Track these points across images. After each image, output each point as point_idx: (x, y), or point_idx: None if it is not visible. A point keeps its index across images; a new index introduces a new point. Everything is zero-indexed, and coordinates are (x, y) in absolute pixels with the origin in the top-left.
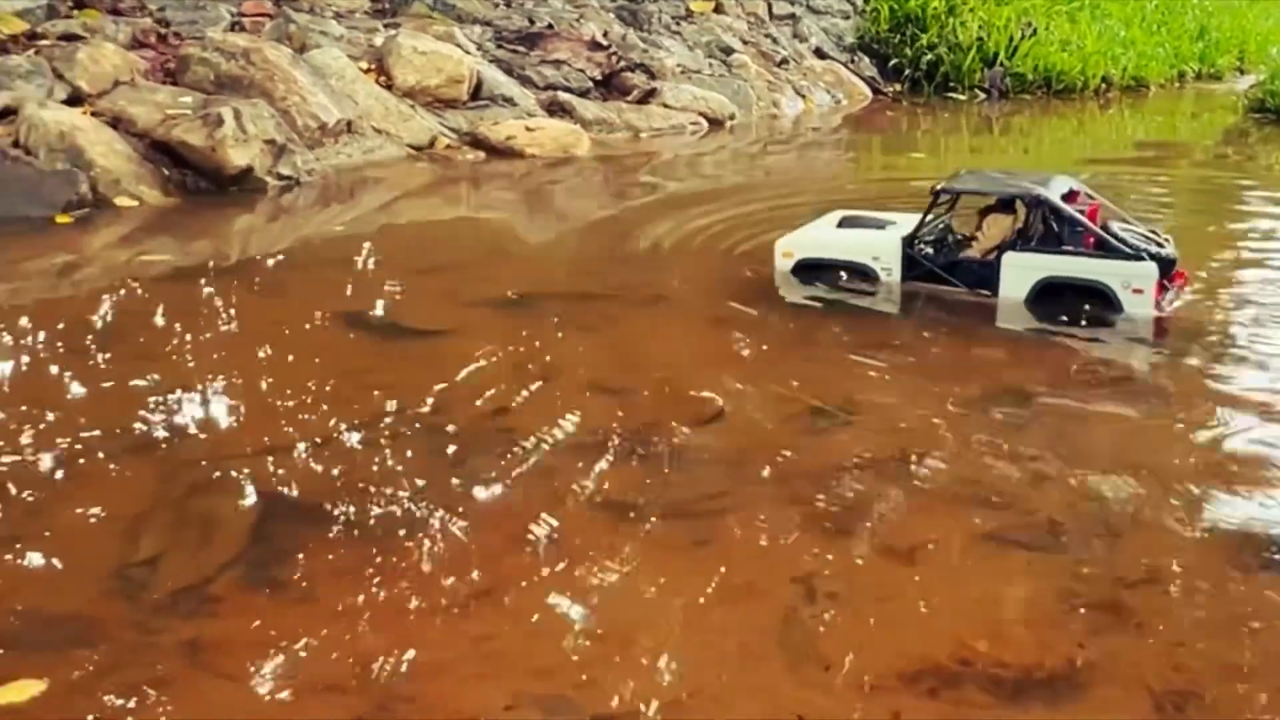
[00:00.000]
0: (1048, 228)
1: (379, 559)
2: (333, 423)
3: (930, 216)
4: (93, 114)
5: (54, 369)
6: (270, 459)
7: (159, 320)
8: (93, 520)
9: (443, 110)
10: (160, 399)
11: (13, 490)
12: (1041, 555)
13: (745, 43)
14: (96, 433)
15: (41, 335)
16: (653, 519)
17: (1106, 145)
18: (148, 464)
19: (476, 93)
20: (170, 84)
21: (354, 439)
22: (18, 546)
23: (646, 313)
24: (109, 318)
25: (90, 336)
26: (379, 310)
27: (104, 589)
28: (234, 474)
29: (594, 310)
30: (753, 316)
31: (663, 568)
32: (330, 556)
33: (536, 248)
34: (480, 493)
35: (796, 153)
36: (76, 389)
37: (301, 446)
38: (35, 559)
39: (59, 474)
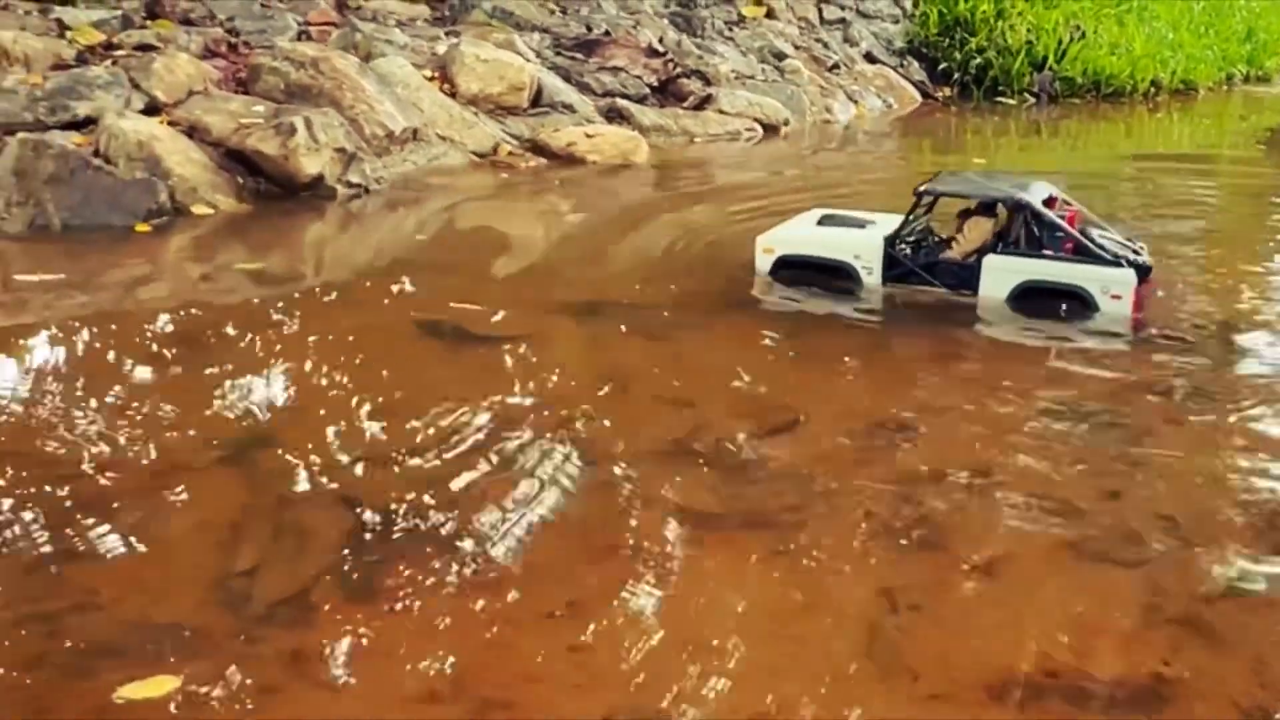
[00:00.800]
0: (1029, 232)
1: (466, 568)
2: (414, 432)
3: (912, 217)
4: (169, 123)
5: (140, 378)
6: (355, 469)
7: (239, 329)
8: (190, 531)
9: (504, 117)
10: (245, 408)
11: (111, 502)
12: (1120, 568)
13: (797, 48)
14: (187, 443)
15: (126, 344)
16: (732, 529)
17: (1153, 146)
18: (238, 475)
19: (537, 99)
20: (242, 93)
21: (435, 448)
22: (122, 557)
23: (713, 321)
24: (191, 326)
25: (172, 345)
26: (451, 317)
27: (206, 599)
28: (321, 484)
29: (660, 318)
30: (818, 326)
31: (745, 578)
32: (419, 566)
33: (600, 254)
34: (561, 501)
35: (857, 159)
36: (164, 398)
37: (385, 456)
38: (139, 569)
39: (155, 485)
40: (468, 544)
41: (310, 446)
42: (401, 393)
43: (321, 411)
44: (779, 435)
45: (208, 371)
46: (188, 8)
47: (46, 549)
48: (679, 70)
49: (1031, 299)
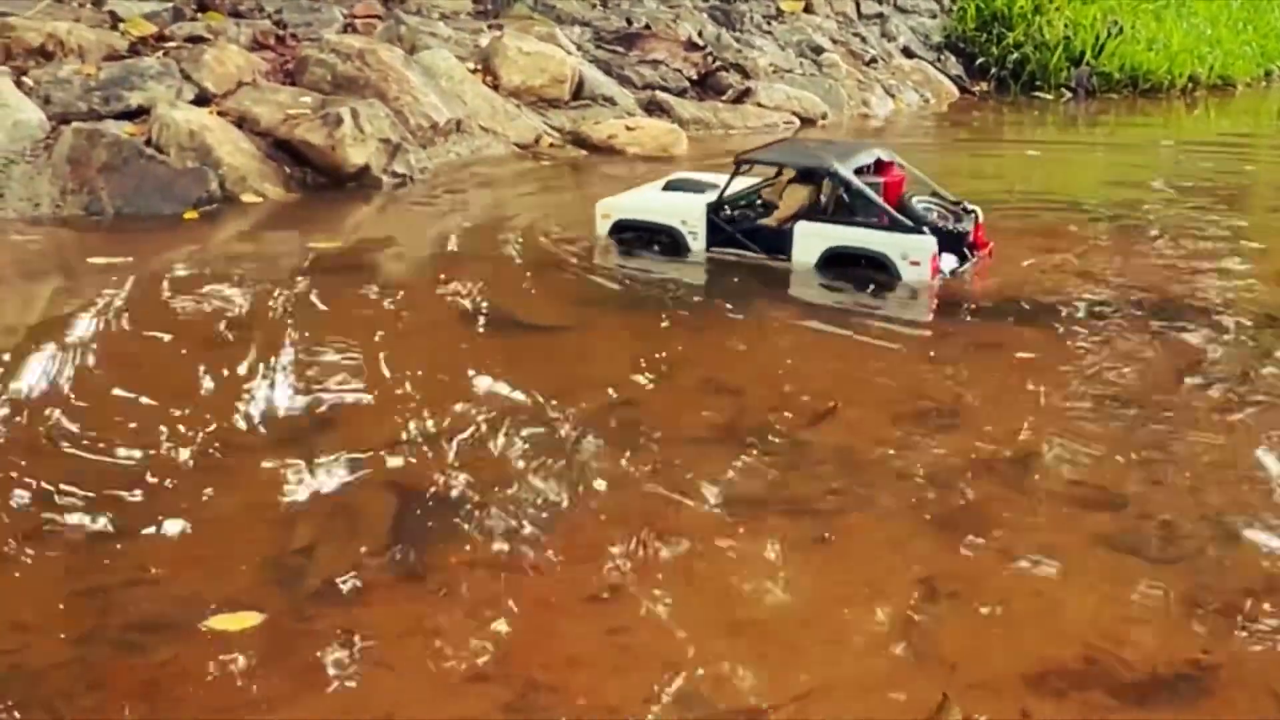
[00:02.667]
0: (839, 200)
1: (511, 551)
2: (461, 417)
3: (733, 184)
4: (219, 114)
5: (197, 360)
6: (405, 453)
7: (288, 314)
8: (243, 511)
9: (546, 109)
10: (297, 392)
11: (166, 481)
12: (1160, 558)
13: (835, 42)
14: (240, 425)
15: (183, 326)
16: (774, 515)
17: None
18: (291, 455)
19: (578, 92)
20: (290, 84)
21: (482, 433)
22: (175, 535)
23: (753, 310)
24: (244, 310)
25: (227, 328)
26: (497, 306)
27: (261, 577)
28: (372, 467)
29: (702, 307)
30: (855, 314)
31: (786, 563)
32: (466, 549)
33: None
34: (606, 487)
35: (906, 153)
36: (216, 381)
37: (433, 440)
38: (192, 547)
39: (207, 466)
40: (513, 527)
41: (361, 430)
42: (449, 378)
43: (371, 396)
44: (819, 423)
45: (261, 355)
46: (237, 0)
47: (102, 526)
48: (718, 64)
49: (838, 265)
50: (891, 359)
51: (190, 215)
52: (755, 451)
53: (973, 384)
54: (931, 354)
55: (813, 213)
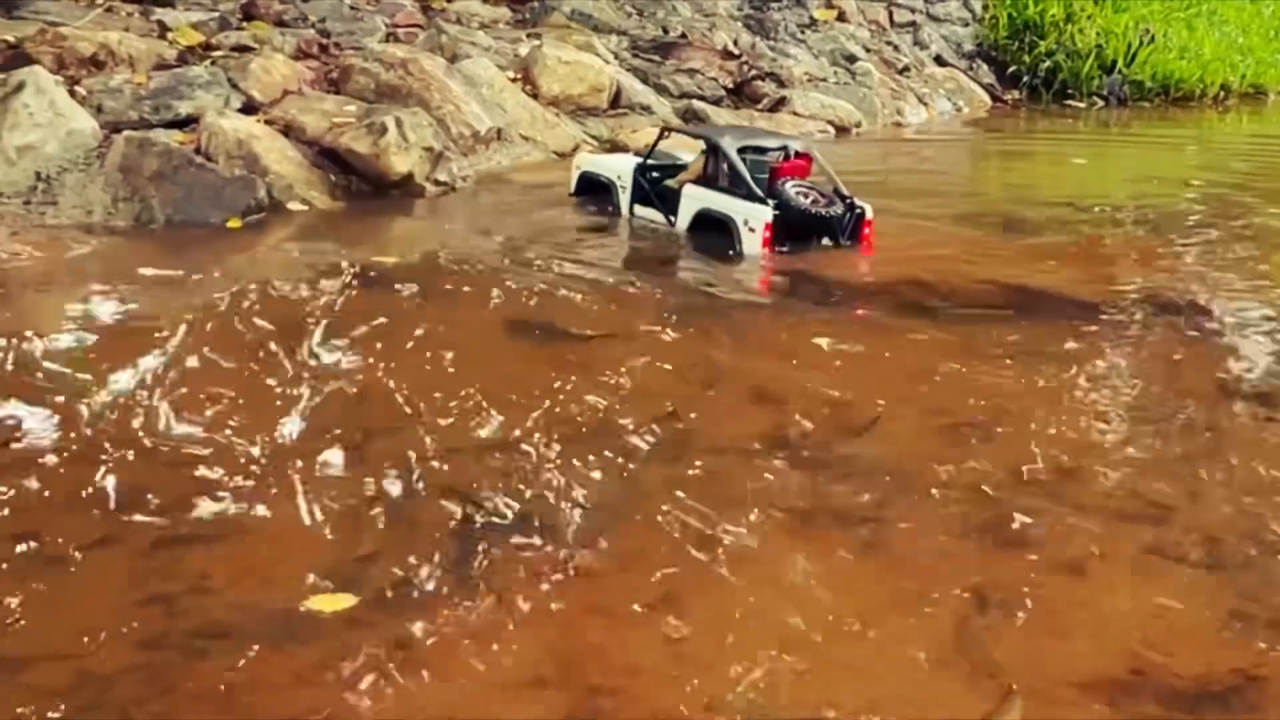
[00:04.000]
0: (718, 171)
1: (566, 559)
2: (511, 426)
3: (656, 148)
4: (266, 122)
5: (252, 368)
6: (459, 461)
7: (337, 322)
8: (300, 518)
9: (584, 118)
10: (346, 400)
11: (227, 489)
12: (1206, 570)
13: (868, 50)
14: (292, 432)
15: (232, 337)
16: (823, 525)
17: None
18: (349, 464)
19: (616, 101)
20: (334, 93)
21: (533, 442)
22: (236, 543)
23: (798, 320)
24: (296, 319)
25: (281, 336)
26: (542, 314)
27: (317, 585)
28: (428, 475)
29: (745, 314)
30: (897, 323)
31: (836, 573)
32: (523, 556)
33: (679, 254)
34: (656, 496)
35: (928, 161)
36: (273, 389)
37: (486, 449)
38: (250, 554)
39: (267, 474)
40: (566, 536)
41: (415, 438)
42: (498, 387)
43: (424, 405)
44: (863, 434)
45: (315, 363)
46: (281, 10)
47: (165, 533)
48: (753, 72)
49: (704, 227)
50: (934, 367)
51: (234, 224)
52: (801, 461)
53: (1015, 394)
54: (972, 364)
55: (701, 180)
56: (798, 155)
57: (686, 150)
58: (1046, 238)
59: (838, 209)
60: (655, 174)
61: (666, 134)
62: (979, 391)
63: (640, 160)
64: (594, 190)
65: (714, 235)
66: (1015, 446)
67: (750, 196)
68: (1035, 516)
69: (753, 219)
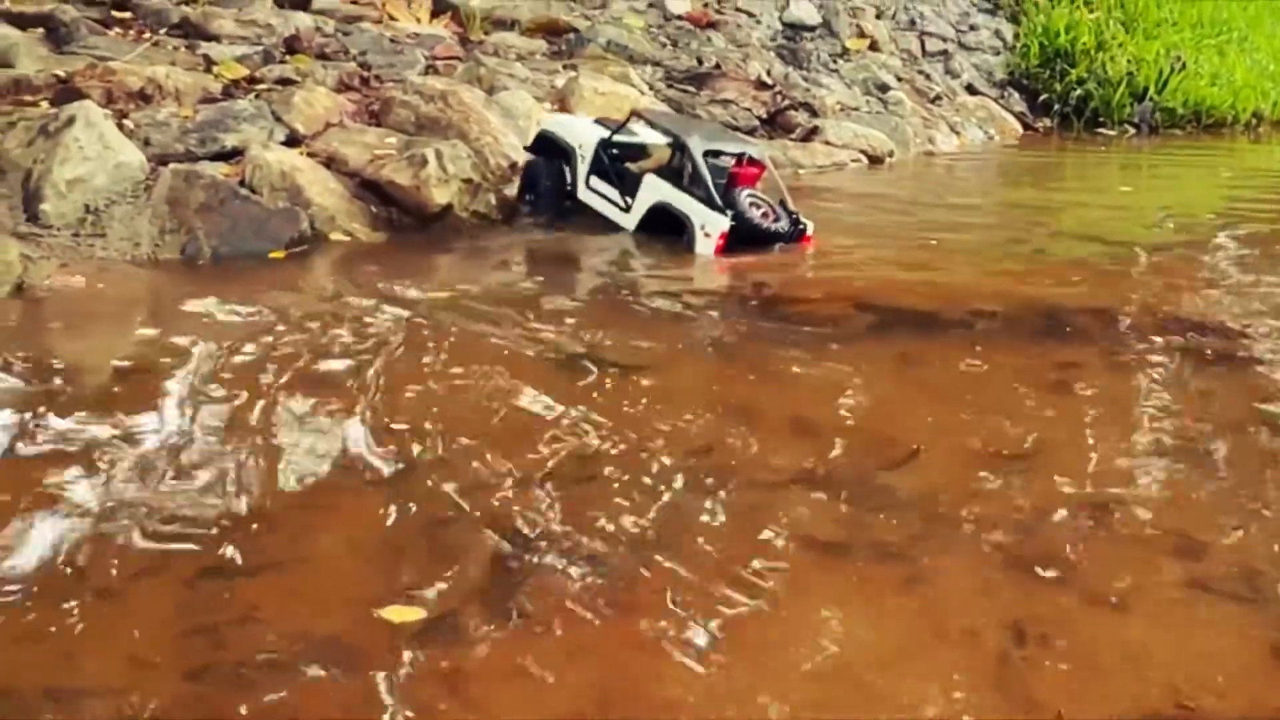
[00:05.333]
0: (682, 167)
1: (606, 593)
2: (549, 459)
3: (621, 130)
4: (309, 154)
5: (293, 400)
6: (498, 493)
7: (379, 354)
8: (346, 550)
9: None
10: (386, 431)
11: (270, 520)
12: (1248, 605)
13: (900, 79)
14: (340, 464)
15: (274, 368)
16: (861, 559)
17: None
18: (387, 496)
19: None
20: (375, 125)
21: (570, 476)
22: (282, 574)
23: (832, 351)
24: (340, 350)
25: (320, 369)
26: (577, 345)
27: (361, 616)
28: (468, 507)
29: (782, 347)
30: (930, 350)
31: (876, 607)
32: (560, 590)
33: (717, 284)
34: (695, 530)
35: (962, 189)
36: (316, 420)
37: (525, 482)
38: (294, 586)
39: (309, 505)
40: (604, 570)
41: (455, 470)
42: (536, 420)
43: (464, 437)
44: (900, 467)
45: (357, 395)
46: (323, 43)
47: (209, 564)
48: (787, 102)
49: (657, 219)
50: (968, 395)
51: (276, 255)
52: (837, 495)
53: (1052, 422)
54: (1006, 393)
55: (664, 171)
56: (752, 162)
57: (649, 133)
58: (1083, 263)
59: (784, 224)
60: (617, 152)
61: (635, 117)
62: (1015, 420)
63: (606, 135)
64: (549, 153)
65: (663, 228)
66: (1053, 478)
67: (709, 202)
68: (1074, 550)
69: (710, 226)
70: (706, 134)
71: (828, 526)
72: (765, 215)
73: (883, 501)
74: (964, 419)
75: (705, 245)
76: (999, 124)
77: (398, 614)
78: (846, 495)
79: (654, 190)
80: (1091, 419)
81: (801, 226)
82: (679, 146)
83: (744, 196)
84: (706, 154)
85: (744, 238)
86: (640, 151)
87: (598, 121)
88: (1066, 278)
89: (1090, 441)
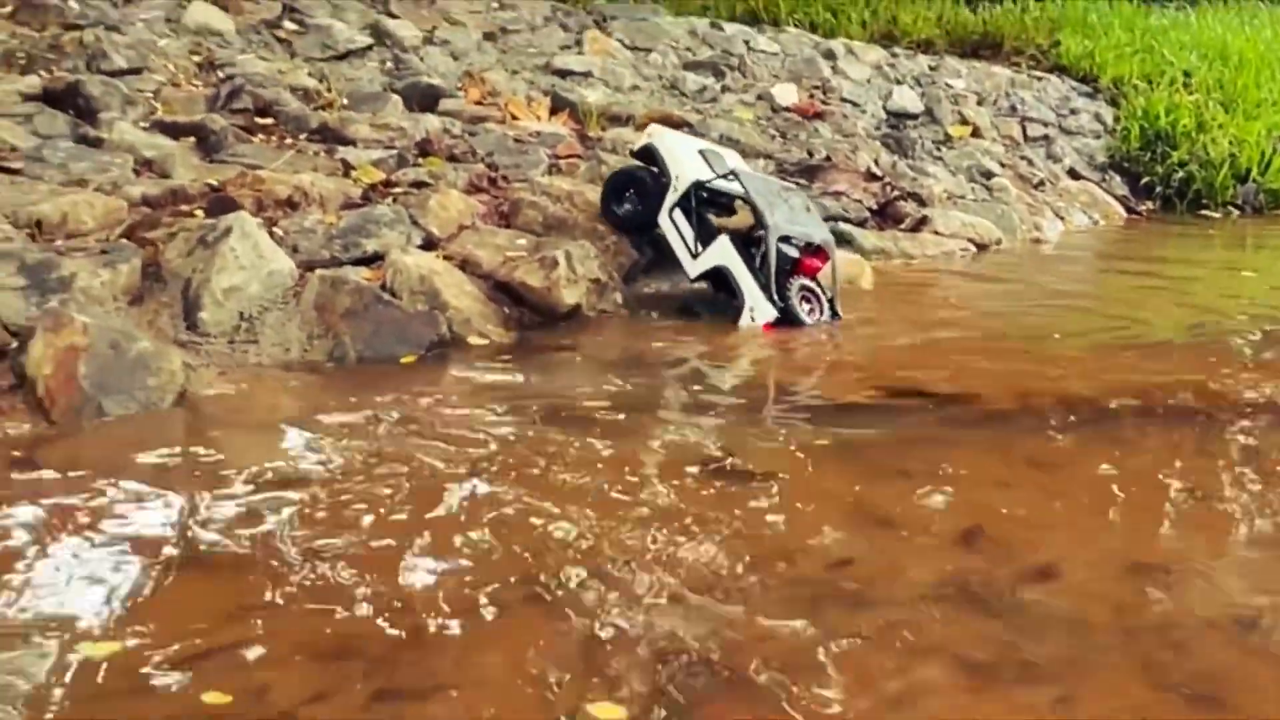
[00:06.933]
0: (756, 242)
1: (766, 715)
2: (695, 574)
3: (719, 178)
4: (445, 257)
5: (441, 511)
6: (650, 610)
7: (520, 464)
8: (509, 672)
9: None
10: (535, 546)
11: (431, 641)
12: None
13: (1003, 165)
14: (489, 582)
15: (419, 479)
16: (1010, 680)
17: None
18: (543, 614)
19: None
20: (505, 226)
21: (713, 590)
22: (449, 696)
23: (957, 452)
24: (476, 460)
25: (462, 479)
26: (706, 449)
27: None
28: (627, 625)
29: (903, 446)
30: (1059, 453)
31: None
32: (725, 710)
33: (835, 380)
34: (841, 648)
35: (1077, 276)
36: (456, 535)
37: (678, 598)
38: (468, 708)
39: (469, 625)
40: (760, 689)
41: (604, 583)
42: (672, 534)
43: (607, 548)
44: (1042, 581)
45: (500, 507)
46: (451, 144)
47: (382, 685)
48: (896, 193)
49: (715, 279)
50: (1109, 497)
51: (409, 359)
52: (979, 610)
53: (1196, 531)
54: (1147, 494)
55: (736, 238)
56: (818, 251)
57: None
58: (1221, 353)
59: (825, 319)
60: (707, 196)
61: (732, 176)
62: (1157, 526)
63: (703, 179)
64: (649, 161)
65: (715, 282)
66: (1202, 590)
67: (766, 289)
68: (1230, 670)
69: (758, 313)
70: (789, 216)
71: (974, 645)
72: (811, 311)
73: (1026, 617)
74: (1101, 524)
75: (749, 325)
76: (1102, 208)
77: (604, 711)
78: (989, 611)
79: (723, 254)
80: (1240, 525)
81: (838, 318)
82: (759, 224)
83: (798, 287)
84: (783, 239)
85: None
86: (728, 203)
87: (701, 152)
88: (1207, 370)
89: (1240, 550)
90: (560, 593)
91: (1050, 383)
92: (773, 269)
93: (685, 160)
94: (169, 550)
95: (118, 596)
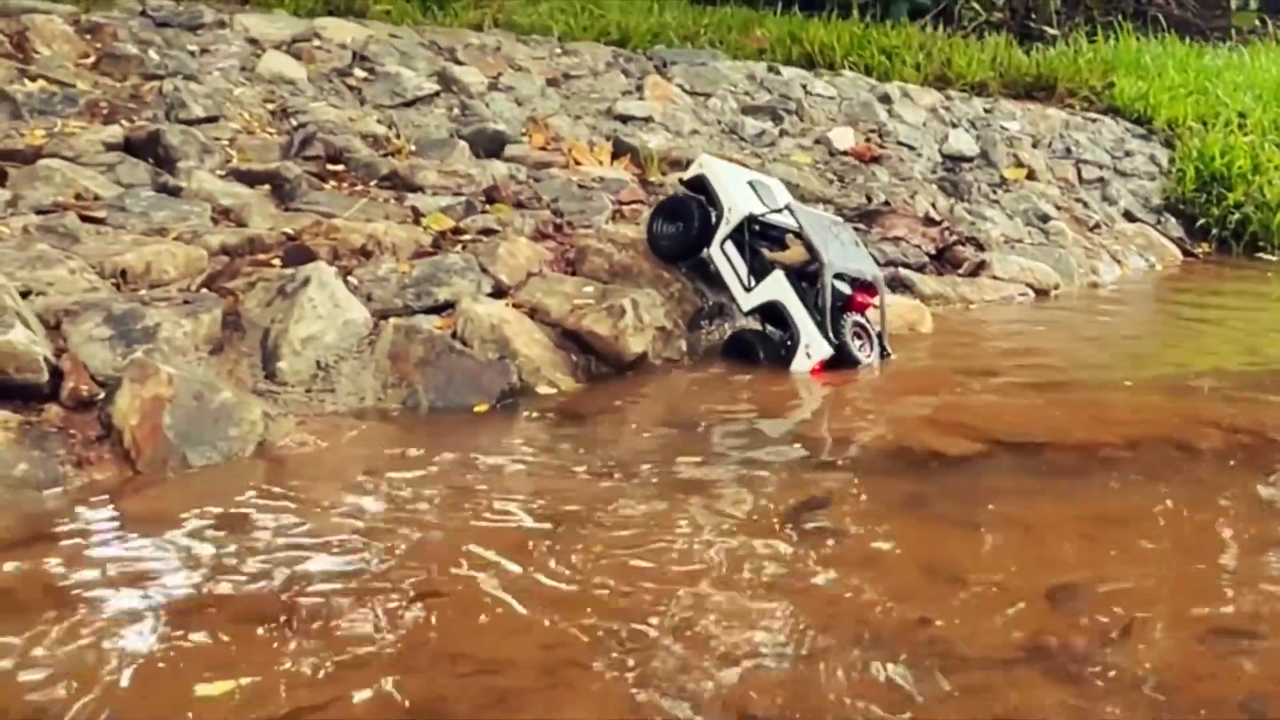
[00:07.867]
0: (810, 277)
1: None
2: (767, 635)
3: (773, 212)
4: (514, 305)
5: (510, 568)
6: (729, 669)
7: (599, 517)
8: None
9: None
10: (615, 601)
11: (513, 696)
12: None
13: (1059, 209)
14: (568, 638)
15: (503, 533)
16: None
17: None
18: (623, 671)
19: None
20: (571, 273)
21: (792, 652)
22: None
23: (1029, 504)
24: (555, 511)
25: (542, 535)
26: (773, 504)
27: None
28: (698, 688)
29: (972, 497)
30: (1131, 507)
31: None
32: None
33: (909, 430)
34: (922, 716)
35: (1168, 322)
36: (539, 590)
37: (749, 660)
38: None
39: (551, 681)
40: None
41: (676, 646)
42: (748, 588)
43: (686, 606)
44: (1118, 642)
45: (580, 562)
46: (517, 190)
47: None
48: (954, 238)
49: (767, 313)
50: (1181, 554)
51: (481, 408)
52: (1059, 673)
53: (1268, 590)
54: (1221, 552)
55: (791, 274)
56: (868, 286)
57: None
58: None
59: (875, 357)
60: (759, 229)
61: (787, 211)
62: (1235, 585)
63: (757, 212)
64: (698, 190)
65: (769, 321)
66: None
67: (821, 327)
68: None
69: (813, 350)
70: (841, 253)
71: (1056, 711)
72: (862, 347)
73: (1108, 681)
74: (1178, 582)
75: (802, 363)
76: (1158, 251)
77: None
78: (1068, 674)
79: (777, 289)
80: None
81: (887, 356)
82: (814, 259)
83: (851, 324)
84: (838, 276)
85: (835, 363)
86: (779, 237)
87: (750, 183)
88: None
89: None
90: (635, 651)
91: (1120, 428)
92: (828, 305)
93: (736, 192)
94: (261, 606)
95: (208, 644)
